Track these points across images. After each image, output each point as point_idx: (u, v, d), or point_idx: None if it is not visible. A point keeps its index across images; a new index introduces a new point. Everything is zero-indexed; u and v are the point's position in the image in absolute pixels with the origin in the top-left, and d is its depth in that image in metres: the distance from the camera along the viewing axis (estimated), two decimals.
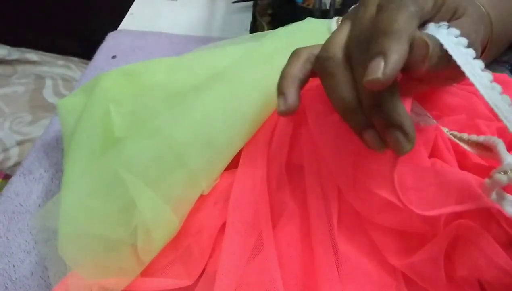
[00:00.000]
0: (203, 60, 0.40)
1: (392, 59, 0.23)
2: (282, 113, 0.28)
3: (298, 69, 0.29)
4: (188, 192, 0.31)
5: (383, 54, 0.23)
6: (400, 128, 0.25)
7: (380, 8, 0.25)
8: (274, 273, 0.27)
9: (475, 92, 0.35)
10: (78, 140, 0.36)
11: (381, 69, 0.23)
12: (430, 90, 0.36)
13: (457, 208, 0.25)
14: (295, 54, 0.30)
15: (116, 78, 0.39)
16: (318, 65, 0.28)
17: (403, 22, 0.24)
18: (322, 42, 0.29)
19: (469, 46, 0.25)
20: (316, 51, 0.29)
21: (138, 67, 0.41)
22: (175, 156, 0.31)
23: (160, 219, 0.30)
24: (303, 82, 0.29)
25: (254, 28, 0.58)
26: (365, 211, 0.28)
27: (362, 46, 0.26)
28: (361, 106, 0.26)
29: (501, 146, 0.28)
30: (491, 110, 0.24)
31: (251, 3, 0.61)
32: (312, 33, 0.41)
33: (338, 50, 0.27)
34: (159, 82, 0.38)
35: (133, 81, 0.39)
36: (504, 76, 0.38)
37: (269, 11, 0.57)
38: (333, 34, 0.28)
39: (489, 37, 0.35)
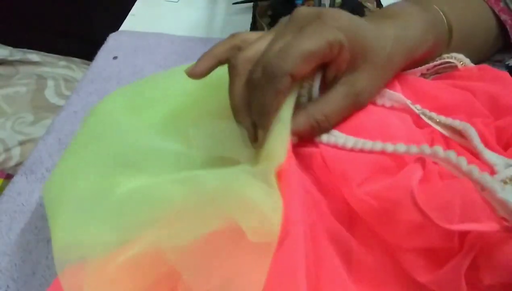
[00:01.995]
0: None
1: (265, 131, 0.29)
2: (186, 73, 0.33)
3: (221, 52, 0.33)
4: None
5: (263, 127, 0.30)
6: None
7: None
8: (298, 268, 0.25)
9: (474, 91, 0.35)
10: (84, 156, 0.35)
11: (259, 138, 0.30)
12: (428, 90, 0.36)
13: (487, 228, 0.23)
14: (231, 36, 0.34)
15: (117, 100, 0.39)
16: (231, 62, 0.32)
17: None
18: None
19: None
20: (250, 39, 0.33)
21: (139, 85, 0.41)
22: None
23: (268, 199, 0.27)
24: (221, 63, 0.33)
25: (254, 29, 0.58)
26: (392, 237, 0.27)
27: (263, 74, 0.29)
28: (249, 109, 0.31)
29: (472, 132, 0.29)
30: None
31: (251, 4, 0.61)
32: None
33: (247, 61, 0.31)
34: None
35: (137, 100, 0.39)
36: (504, 73, 0.38)
37: (269, 12, 0.57)
38: (256, 42, 0.32)
39: (447, 36, 0.39)
